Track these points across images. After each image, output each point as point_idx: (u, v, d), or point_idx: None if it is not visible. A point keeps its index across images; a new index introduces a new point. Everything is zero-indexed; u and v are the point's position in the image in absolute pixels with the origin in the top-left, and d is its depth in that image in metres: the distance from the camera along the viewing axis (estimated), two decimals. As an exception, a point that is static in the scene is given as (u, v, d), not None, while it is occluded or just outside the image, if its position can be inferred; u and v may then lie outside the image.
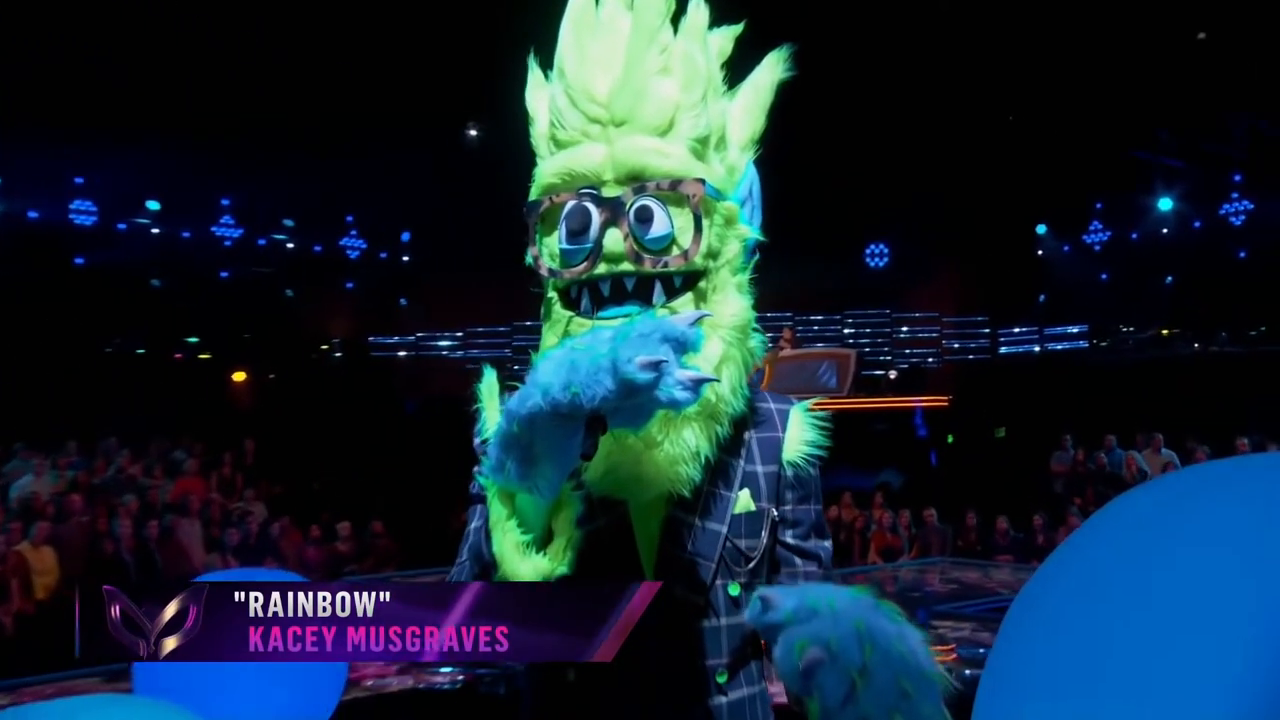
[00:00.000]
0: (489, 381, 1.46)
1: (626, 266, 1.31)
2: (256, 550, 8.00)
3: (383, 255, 17.70)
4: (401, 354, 18.20)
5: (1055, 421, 12.09)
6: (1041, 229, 17.19)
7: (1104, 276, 17.00)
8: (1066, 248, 17.23)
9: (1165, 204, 15.93)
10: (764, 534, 1.37)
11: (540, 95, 1.47)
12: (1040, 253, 17.50)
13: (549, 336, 1.40)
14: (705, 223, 1.33)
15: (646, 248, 1.31)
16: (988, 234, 16.08)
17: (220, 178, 14.75)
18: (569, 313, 1.36)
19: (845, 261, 17.35)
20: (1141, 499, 0.90)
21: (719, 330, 1.33)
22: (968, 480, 11.75)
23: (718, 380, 1.29)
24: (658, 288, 1.33)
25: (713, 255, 1.36)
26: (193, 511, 8.23)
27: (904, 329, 18.23)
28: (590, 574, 1.22)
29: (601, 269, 1.31)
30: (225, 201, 16.07)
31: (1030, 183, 15.06)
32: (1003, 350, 18.14)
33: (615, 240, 1.30)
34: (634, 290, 1.32)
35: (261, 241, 16.61)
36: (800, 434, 1.42)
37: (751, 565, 1.35)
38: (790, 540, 1.40)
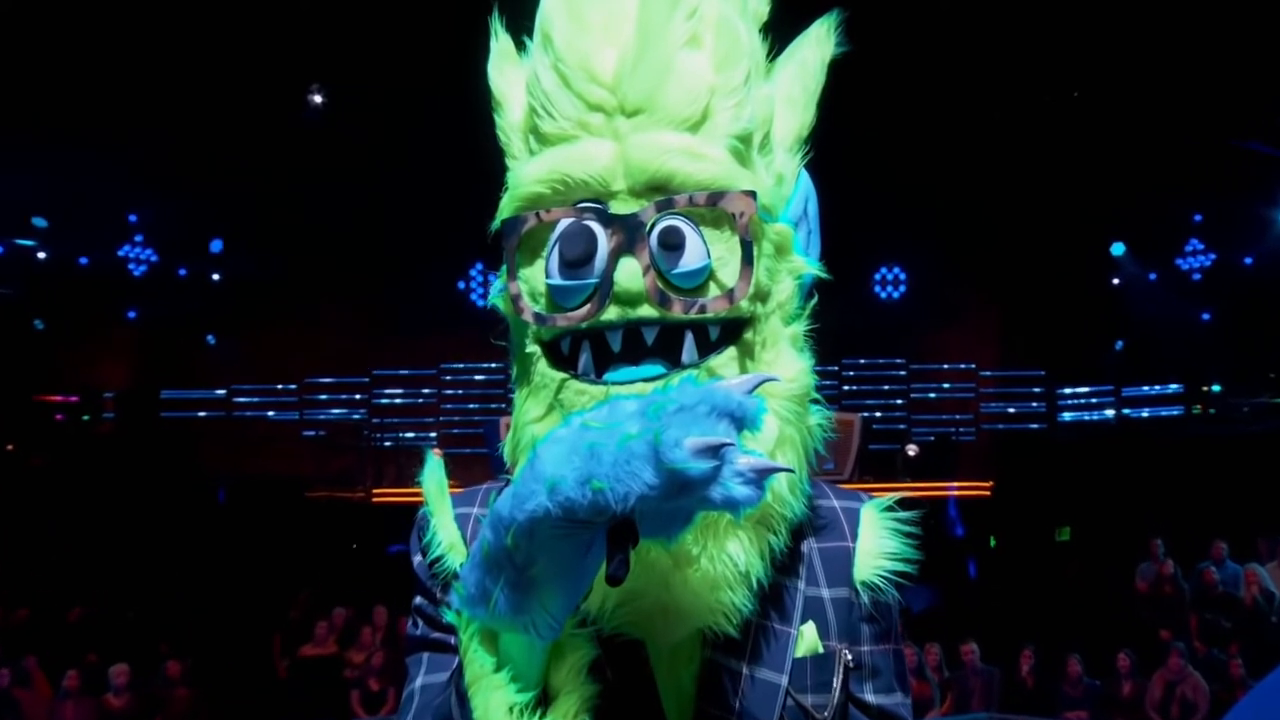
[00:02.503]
0: (434, 473, 1.49)
1: (647, 311, 1.32)
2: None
3: (181, 272, 17.45)
4: (206, 414, 17.90)
5: (1140, 519, 12.31)
6: (1118, 249, 17.26)
7: (1206, 316, 17.07)
8: (1153, 276, 17.33)
9: (1291, 216, 16.36)
10: (835, 685, 1.38)
11: (511, 72, 1.50)
12: (1116, 282, 17.58)
13: (531, 406, 1.41)
14: (755, 251, 1.37)
15: (675, 285, 1.34)
16: (1043, 256, 16.30)
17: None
18: (560, 374, 1.38)
19: (845, 291, 17.48)
20: None
21: (771, 401, 1.34)
22: (1020, 602, 11.88)
23: (791, 470, 1.30)
24: (688, 341, 1.35)
25: (761, 297, 1.40)
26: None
27: (927, 386, 18.43)
28: None
29: (612, 314, 1.33)
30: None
31: (1103, 185, 15.30)
32: (1065, 418, 18.21)
33: (631, 274, 1.32)
34: (655, 344, 1.34)
35: (-1, 250, 16.31)
36: (877, 543, 1.44)
37: None
38: (870, 699, 1.42)
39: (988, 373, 18.23)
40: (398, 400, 17.52)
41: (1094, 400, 18.07)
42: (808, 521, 1.42)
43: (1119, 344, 17.46)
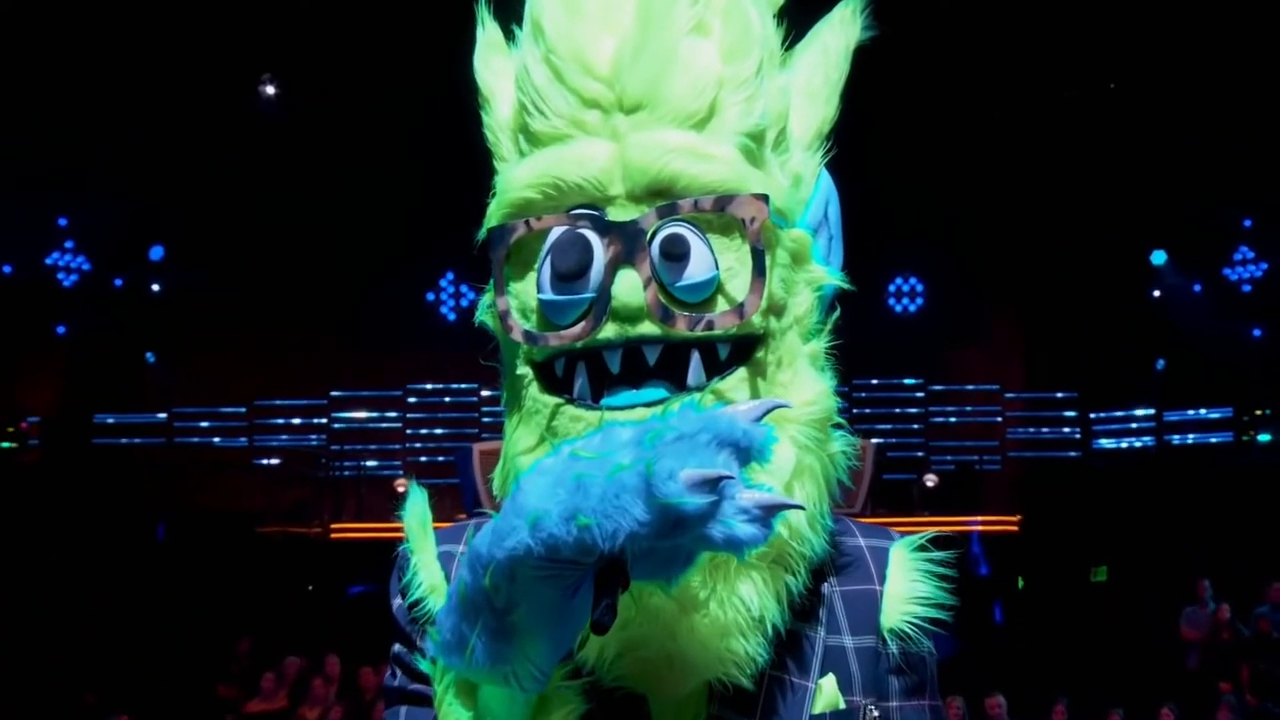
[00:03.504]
0: (417, 505, 1.51)
1: (648, 329, 1.33)
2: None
3: (117, 282, 17.42)
4: (144, 441, 17.84)
5: (1186, 558, 12.32)
6: (1159, 258, 17.25)
7: (1257, 332, 17.12)
8: (1198, 286, 17.36)
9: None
10: None
11: (500, 64, 1.52)
12: (1157, 294, 17.60)
13: (522, 434, 1.42)
14: (768, 261, 1.37)
15: (679, 300, 1.35)
16: (1076, 265, 16.33)
17: None
18: (554, 399, 1.38)
19: (856, 304, 17.25)
20: None
21: (788, 427, 1.35)
22: (1052, 650, 11.87)
23: (802, 506, 1.28)
24: (694, 361, 1.36)
25: (776, 311, 1.41)
26: None
27: (947, 410, 18.43)
28: None
29: (609, 332, 1.33)
30: None
31: (1141, 186, 15.34)
32: (1101, 445, 18.23)
33: (631, 288, 1.32)
34: (658, 364, 1.35)
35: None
36: (907, 587, 1.45)
37: None
38: None
39: (1014, 395, 18.22)
40: (359, 425, 17.50)
41: (1133, 425, 18.04)
42: (829, 561, 1.43)
43: (1160, 363, 17.41)
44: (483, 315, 1.51)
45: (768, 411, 1.12)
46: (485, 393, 16.92)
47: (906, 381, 17.85)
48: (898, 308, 17.91)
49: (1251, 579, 11.46)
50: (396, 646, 1.47)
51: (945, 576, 1.45)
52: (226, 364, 16.64)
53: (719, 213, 1.34)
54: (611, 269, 1.32)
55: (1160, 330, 17.11)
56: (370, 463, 16.99)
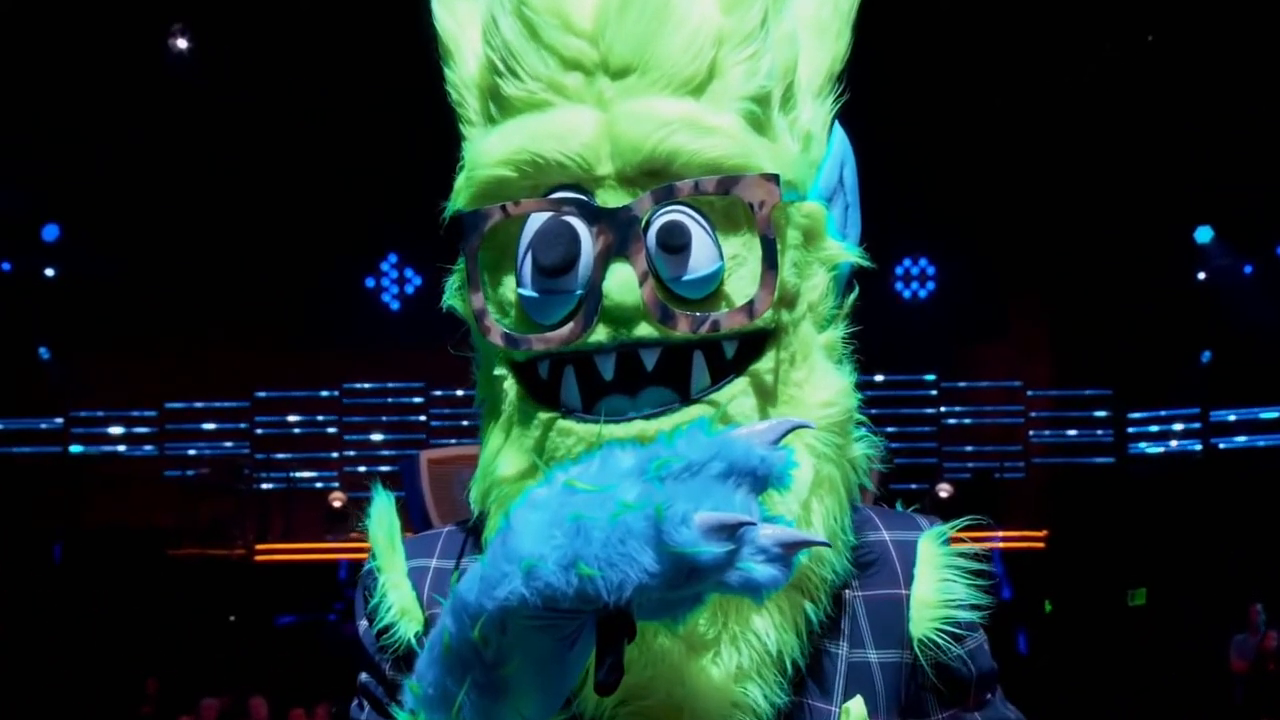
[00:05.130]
0: (384, 516, 1.52)
1: (645, 330, 1.33)
2: None
3: (4, 266, 17.34)
4: (37, 450, 17.77)
5: (1235, 578, 12.38)
6: (1204, 235, 17.20)
7: (1319, 320, 17.28)
8: (1248, 268, 17.30)
9: None
10: None
11: (465, 10, 1.50)
12: (1202, 277, 17.55)
13: (500, 445, 1.42)
14: (779, 248, 1.37)
15: (679, 296, 1.35)
16: (1109, 244, 16.35)
17: None
18: (541, 409, 1.38)
19: (860, 290, 17.13)
20: None
21: (804, 434, 1.34)
22: (1084, 682, 11.91)
23: (827, 544, 1.28)
24: (698, 364, 1.36)
25: (788, 302, 1.41)
26: None
27: (963, 410, 18.43)
28: None
29: (601, 334, 1.33)
30: None
31: (1184, 153, 15.39)
32: (1139, 449, 18.25)
33: (625, 284, 1.31)
34: (657, 369, 1.35)
35: None
36: (938, 588, 1.46)
37: None
38: None
39: (1038, 393, 18.18)
40: (287, 430, 17.42)
41: (1175, 427, 18.01)
42: (850, 562, 1.43)
43: (1206, 355, 17.32)
44: (450, 299, 1.51)
45: (787, 433, 1.12)
46: (436, 392, 16.88)
47: (917, 378, 17.77)
48: (906, 293, 17.74)
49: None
50: (363, 676, 1.47)
51: (984, 573, 1.46)
52: (133, 361, 16.53)
53: (723, 195, 1.34)
54: (602, 262, 1.32)
55: (1206, 318, 16.99)
56: (300, 474, 16.93)
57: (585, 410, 1.35)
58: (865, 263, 1.54)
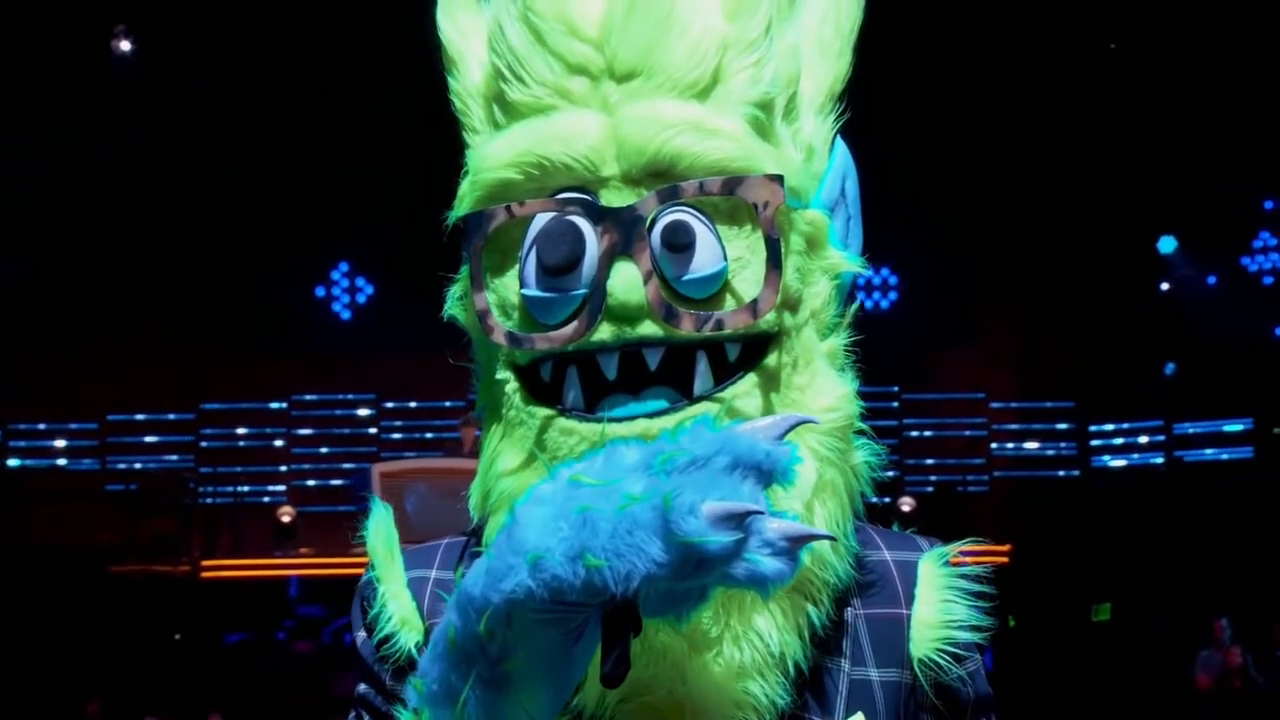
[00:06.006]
0: (381, 525, 1.55)
1: (649, 329, 1.37)
2: None
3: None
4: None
5: (1201, 594, 12.44)
6: (1167, 245, 17.53)
7: (1279, 331, 17.43)
8: (1212, 279, 17.61)
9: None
10: None
11: (467, 20, 1.56)
12: (1165, 287, 17.85)
13: (503, 448, 1.45)
14: (783, 250, 1.41)
15: (683, 296, 1.38)
16: (1071, 254, 16.53)
17: None
18: (542, 409, 1.42)
19: None
20: None
21: (807, 438, 1.40)
22: (1048, 699, 11.93)
23: (833, 537, 1.37)
24: (702, 365, 1.40)
25: (791, 306, 1.46)
26: None
27: (924, 422, 18.56)
28: None
29: (605, 333, 1.37)
30: None
31: (1147, 162, 15.53)
32: (1102, 462, 18.48)
33: (629, 283, 1.35)
34: (660, 369, 1.39)
35: None
36: (939, 608, 1.50)
37: None
38: None
39: (1002, 405, 18.38)
40: (234, 443, 17.34)
41: (1139, 440, 18.25)
42: (852, 581, 1.47)
43: (1170, 367, 17.56)
44: (452, 309, 1.54)
45: (792, 428, 1.14)
46: (388, 404, 16.84)
47: (880, 390, 17.68)
48: (868, 303, 17.46)
49: (1275, 618, 11.59)
50: (362, 687, 1.52)
51: (985, 594, 1.49)
52: (72, 372, 16.44)
53: (728, 196, 1.37)
54: (606, 262, 1.35)
55: (1169, 329, 17.20)
56: (247, 488, 16.81)
57: (588, 411, 1.39)
58: (867, 273, 1.59)
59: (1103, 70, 14.25)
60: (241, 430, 17.30)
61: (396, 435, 17.12)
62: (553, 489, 1.12)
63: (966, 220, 16.07)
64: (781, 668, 1.37)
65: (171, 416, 17.31)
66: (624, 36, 1.38)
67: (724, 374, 1.40)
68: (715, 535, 1.04)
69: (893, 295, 18.01)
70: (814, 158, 1.52)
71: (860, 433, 1.50)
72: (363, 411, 17.22)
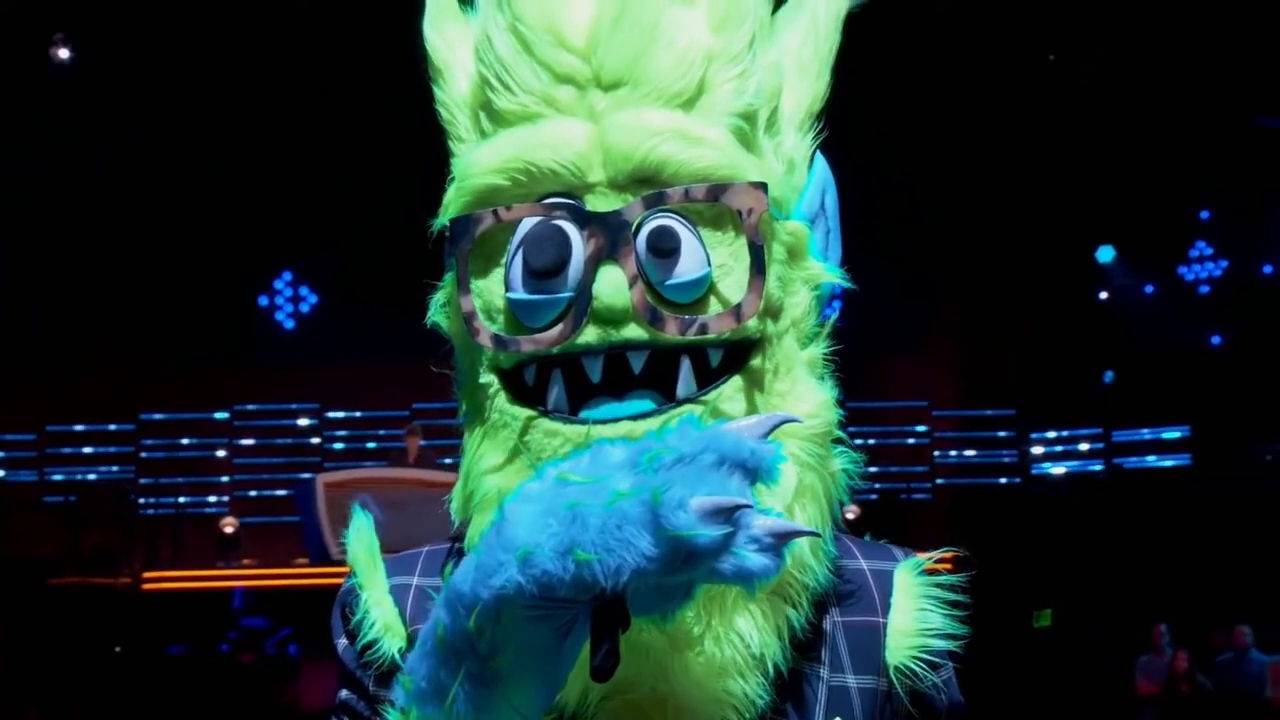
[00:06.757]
0: (363, 532, 1.55)
1: (634, 332, 1.38)
2: None
3: None
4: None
5: (1140, 599, 12.53)
6: (1105, 255, 17.62)
7: (1216, 340, 17.42)
8: (1149, 288, 17.72)
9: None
10: None
11: (453, 31, 1.58)
12: (1104, 296, 17.94)
13: (487, 451, 1.46)
14: (766, 256, 1.43)
15: (668, 300, 1.40)
16: (1012, 264, 16.59)
17: None
18: (526, 410, 1.43)
19: None
20: None
21: (788, 443, 1.38)
22: (989, 705, 11.99)
23: (817, 533, 1.38)
24: (685, 369, 1.41)
25: (773, 313, 1.48)
26: None
27: (867, 430, 18.40)
28: None
29: (590, 336, 1.38)
30: None
31: (1086, 173, 15.60)
32: (1042, 470, 18.51)
33: (615, 287, 1.36)
34: (644, 372, 1.40)
35: None
36: (914, 617, 1.52)
37: None
38: None
39: (944, 413, 18.44)
40: (175, 454, 17.18)
41: (1078, 447, 18.34)
42: (830, 590, 1.49)
43: (1108, 375, 17.68)
44: (435, 316, 1.56)
45: (776, 426, 1.16)
46: (331, 414, 16.76)
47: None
48: (809, 315, 17.91)
49: (1213, 623, 11.68)
50: (344, 693, 1.52)
51: (960, 604, 1.52)
52: (11, 382, 16.31)
53: (712, 203, 1.40)
54: (592, 265, 1.37)
55: (1108, 338, 17.37)
56: (187, 499, 16.68)
57: (571, 413, 1.40)
58: (846, 284, 1.63)
59: (1042, 82, 14.34)
60: (184, 440, 17.17)
61: (339, 445, 17.03)
62: (540, 487, 1.13)
63: (909, 230, 16.03)
64: (761, 668, 1.38)
65: (112, 427, 17.11)
66: (611, 47, 1.40)
67: (706, 379, 1.41)
68: (704, 529, 1.06)
69: (835, 305, 17.87)
70: (795, 171, 1.56)
71: (838, 440, 1.52)
72: (304, 421, 17.12)
